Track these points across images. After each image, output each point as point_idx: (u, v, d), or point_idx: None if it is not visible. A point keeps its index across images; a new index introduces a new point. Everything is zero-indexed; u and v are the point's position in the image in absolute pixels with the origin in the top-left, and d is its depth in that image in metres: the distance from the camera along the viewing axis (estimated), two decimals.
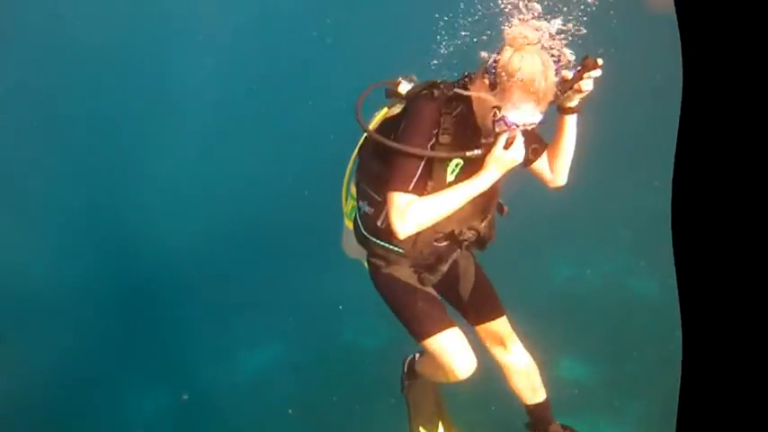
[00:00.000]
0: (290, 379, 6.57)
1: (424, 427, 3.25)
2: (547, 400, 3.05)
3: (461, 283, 2.94)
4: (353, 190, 2.92)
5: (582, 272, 8.19)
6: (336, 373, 6.49)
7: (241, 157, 9.56)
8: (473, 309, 2.95)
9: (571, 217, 8.23)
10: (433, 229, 2.58)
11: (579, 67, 2.42)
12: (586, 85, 2.46)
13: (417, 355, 3.24)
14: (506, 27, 2.39)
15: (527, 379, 3.01)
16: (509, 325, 2.99)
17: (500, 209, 2.82)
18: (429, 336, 2.69)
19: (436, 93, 2.48)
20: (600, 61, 2.41)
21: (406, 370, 3.33)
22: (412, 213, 2.43)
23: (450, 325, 2.74)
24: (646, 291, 7.77)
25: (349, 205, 2.97)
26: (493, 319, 2.96)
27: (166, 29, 10.42)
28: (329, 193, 3.20)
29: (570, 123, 2.65)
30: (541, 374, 3.05)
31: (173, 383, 6.55)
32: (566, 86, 2.44)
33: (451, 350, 2.68)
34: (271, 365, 6.92)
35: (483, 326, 2.96)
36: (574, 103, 2.57)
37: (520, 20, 2.38)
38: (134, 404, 6.44)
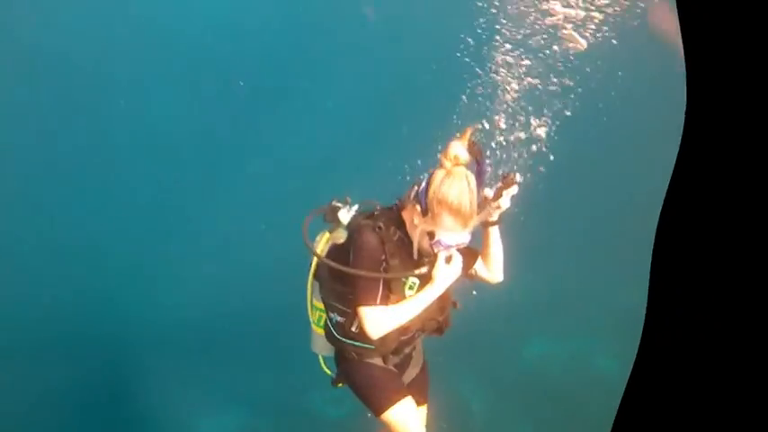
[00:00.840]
0: None
1: None
2: None
3: (409, 369, 3.32)
4: (317, 303, 3.23)
5: (552, 350, 8.34)
6: None
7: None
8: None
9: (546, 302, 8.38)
10: (402, 327, 2.90)
11: (499, 185, 2.85)
12: (504, 202, 2.89)
13: None
14: (451, 141, 2.72)
15: None
16: (425, 412, 3.36)
17: (454, 304, 3.16)
18: (386, 408, 3.02)
19: (374, 224, 2.85)
20: (518, 178, 2.84)
21: None
22: (383, 320, 2.81)
23: (405, 395, 3.09)
24: (605, 369, 7.93)
25: (315, 315, 3.25)
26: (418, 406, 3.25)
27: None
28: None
29: (494, 234, 3.07)
30: None
31: None
32: (486, 205, 2.88)
33: (406, 418, 3.03)
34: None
35: None
36: (494, 217, 2.96)
37: (457, 138, 2.74)
38: None
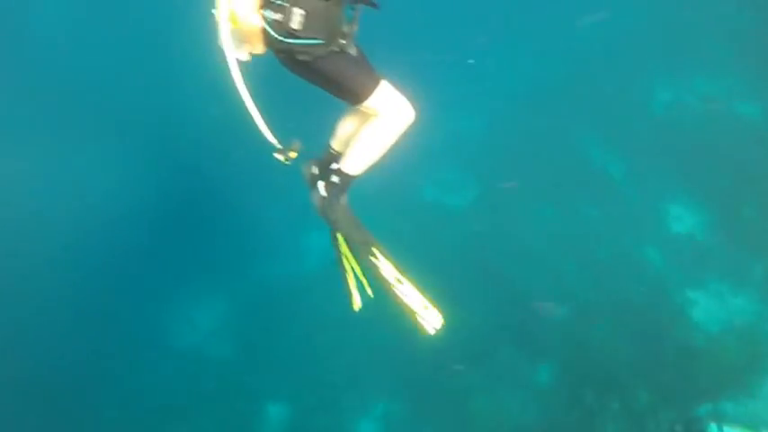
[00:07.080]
0: None
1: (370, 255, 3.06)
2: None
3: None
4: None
5: (682, 96, 7.85)
6: None
7: None
8: None
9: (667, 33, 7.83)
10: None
11: None
12: None
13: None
14: None
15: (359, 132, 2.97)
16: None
17: None
18: (374, 88, 2.76)
19: None
20: None
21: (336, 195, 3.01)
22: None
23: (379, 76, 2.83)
24: (746, 112, 7.42)
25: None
26: None
27: None
28: None
29: None
30: None
31: None
32: None
33: (394, 93, 2.80)
34: None
35: None
36: None
37: None
38: None
